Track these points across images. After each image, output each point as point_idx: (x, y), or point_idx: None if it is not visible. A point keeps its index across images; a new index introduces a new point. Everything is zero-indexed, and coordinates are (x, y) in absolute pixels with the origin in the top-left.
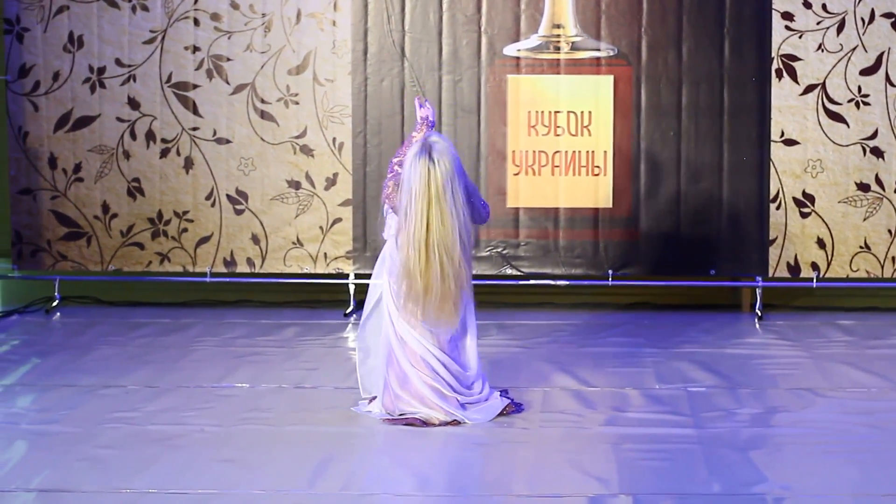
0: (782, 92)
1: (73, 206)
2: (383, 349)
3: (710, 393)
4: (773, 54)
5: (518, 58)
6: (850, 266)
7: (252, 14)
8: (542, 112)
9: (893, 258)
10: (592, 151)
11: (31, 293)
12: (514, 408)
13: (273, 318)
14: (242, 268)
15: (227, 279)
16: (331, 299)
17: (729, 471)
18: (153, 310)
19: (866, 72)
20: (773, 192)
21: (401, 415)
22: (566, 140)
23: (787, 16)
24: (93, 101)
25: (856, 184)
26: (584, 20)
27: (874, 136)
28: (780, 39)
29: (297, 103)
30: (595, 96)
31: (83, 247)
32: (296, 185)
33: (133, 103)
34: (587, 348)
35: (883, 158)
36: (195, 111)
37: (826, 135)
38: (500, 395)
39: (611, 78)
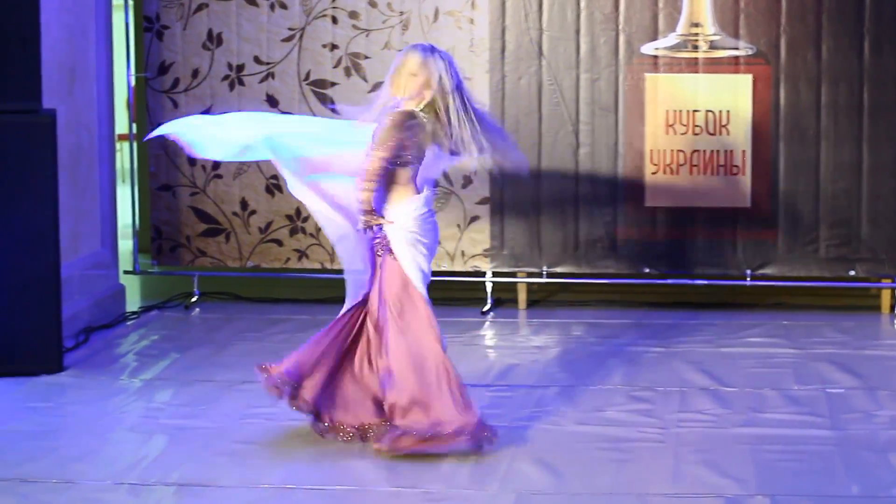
0: None
1: (212, 203)
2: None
3: (848, 394)
4: None
5: (656, 56)
6: None
7: (390, 12)
8: (681, 111)
9: None
10: (731, 151)
11: (171, 289)
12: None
13: None
14: None
15: None
16: (467, 297)
17: (867, 473)
18: (291, 306)
19: None
20: None
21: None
22: (704, 139)
23: None
24: (231, 98)
25: None
26: (723, 19)
27: None
28: None
29: None
30: (733, 95)
31: (222, 243)
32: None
33: (271, 101)
34: (725, 348)
35: None
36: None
37: None
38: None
39: (749, 77)
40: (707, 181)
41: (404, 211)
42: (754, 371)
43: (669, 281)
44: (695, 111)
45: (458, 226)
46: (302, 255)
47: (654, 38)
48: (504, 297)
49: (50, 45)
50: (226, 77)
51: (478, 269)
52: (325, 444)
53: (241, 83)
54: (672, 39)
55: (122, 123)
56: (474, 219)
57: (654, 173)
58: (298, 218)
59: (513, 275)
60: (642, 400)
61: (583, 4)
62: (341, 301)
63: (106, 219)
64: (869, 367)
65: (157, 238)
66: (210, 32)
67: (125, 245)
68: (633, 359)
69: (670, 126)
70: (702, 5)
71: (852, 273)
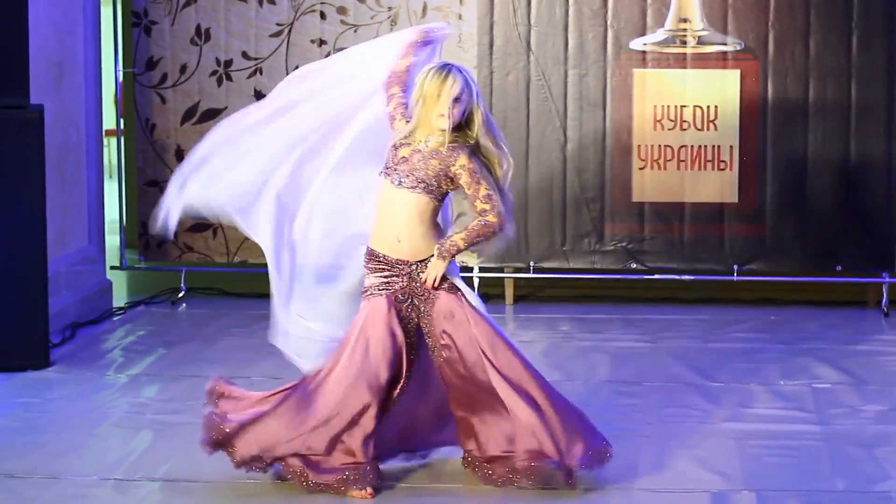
0: None
1: None
2: None
3: (835, 389)
4: None
5: (644, 52)
6: None
7: (378, 8)
8: (668, 106)
9: None
10: (718, 146)
11: (158, 284)
12: None
13: None
14: None
15: None
16: None
17: (854, 468)
18: None
19: None
20: None
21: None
22: (692, 134)
23: None
24: (219, 93)
25: None
26: (711, 14)
27: None
28: None
29: None
30: (721, 91)
31: (209, 238)
32: None
33: (259, 96)
34: (712, 344)
35: None
36: None
37: None
38: None
39: (737, 72)
40: (694, 176)
41: None
42: (741, 366)
43: (656, 276)
44: (683, 106)
45: None
46: None
47: (643, 33)
48: (491, 293)
49: (37, 40)
50: (214, 72)
51: (465, 264)
52: None
53: (229, 78)
54: (660, 35)
55: (109, 119)
56: (461, 214)
57: (641, 168)
58: None
59: (500, 270)
60: (629, 395)
61: (571, 0)
62: None
63: (93, 214)
64: (855, 363)
65: (143, 233)
66: (198, 28)
67: (112, 241)
68: (619, 354)
69: (658, 121)
70: (690, 1)
71: (839, 268)
